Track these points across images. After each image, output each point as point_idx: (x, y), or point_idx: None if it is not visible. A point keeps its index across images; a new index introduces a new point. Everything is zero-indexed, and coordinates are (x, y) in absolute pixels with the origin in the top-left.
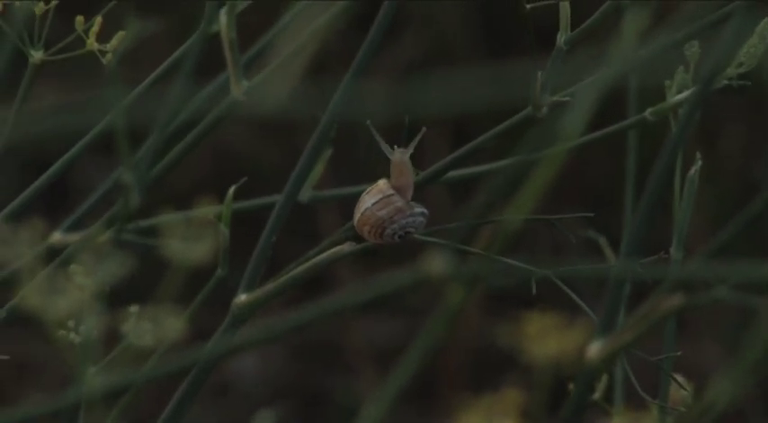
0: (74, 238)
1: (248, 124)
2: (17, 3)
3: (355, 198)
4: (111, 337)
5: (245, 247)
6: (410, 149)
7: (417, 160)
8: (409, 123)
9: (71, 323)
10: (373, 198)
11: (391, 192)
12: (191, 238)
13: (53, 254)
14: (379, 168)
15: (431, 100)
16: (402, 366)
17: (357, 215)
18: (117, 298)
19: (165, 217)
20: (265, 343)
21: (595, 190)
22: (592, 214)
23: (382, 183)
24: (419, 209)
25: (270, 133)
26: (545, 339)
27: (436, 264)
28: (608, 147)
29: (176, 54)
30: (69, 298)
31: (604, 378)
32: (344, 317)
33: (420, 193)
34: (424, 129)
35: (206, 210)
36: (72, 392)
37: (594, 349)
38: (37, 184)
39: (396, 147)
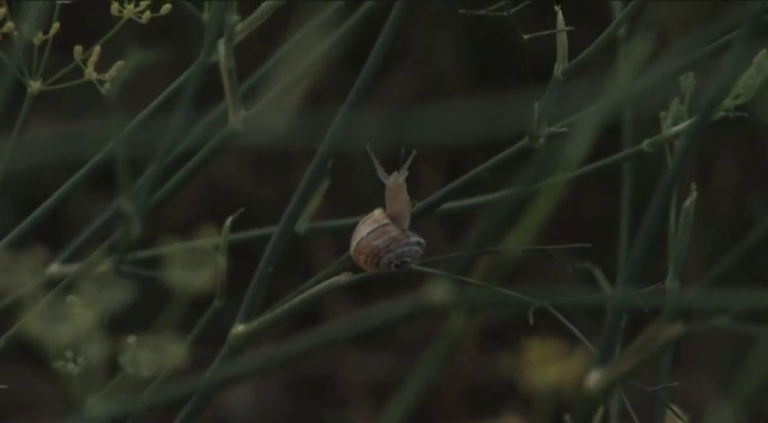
0: (71, 269)
1: (242, 160)
2: (15, 32)
3: (351, 229)
4: (111, 367)
5: (241, 280)
6: (404, 174)
7: (411, 193)
8: (405, 153)
9: (70, 354)
10: (369, 227)
11: (386, 221)
12: (190, 267)
13: (51, 285)
14: (374, 200)
15: (425, 130)
16: (400, 397)
17: (353, 245)
18: (116, 327)
19: (163, 247)
20: (263, 372)
21: (588, 225)
22: (588, 245)
23: (378, 212)
24: (415, 238)
25: (263, 170)
26: (545, 367)
27: (437, 292)
28: (600, 182)
29: (175, 84)
30: (70, 326)
31: (600, 410)
32: (338, 351)
33: (413, 225)
34: (414, 152)
35: (203, 241)
36: (73, 421)
37: (594, 379)
38: (35, 214)
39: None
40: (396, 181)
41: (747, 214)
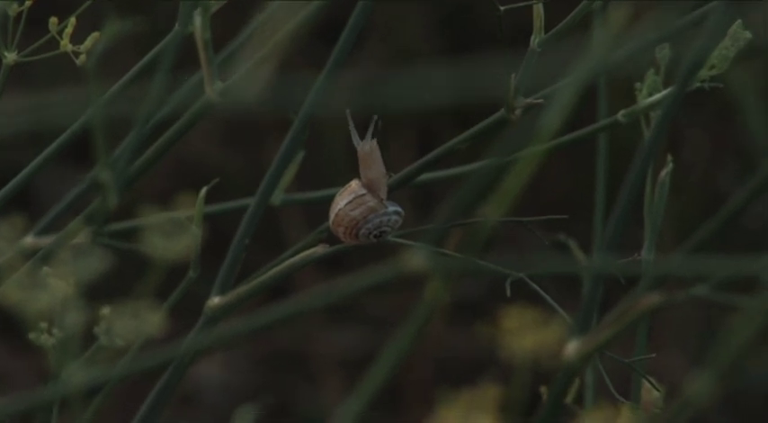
0: (46, 241)
1: (209, 132)
2: None
3: (326, 201)
4: (86, 337)
5: (215, 253)
6: (373, 140)
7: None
8: (377, 121)
9: (45, 325)
10: (345, 199)
11: (363, 191)
12: (166, 237)
13: (26, 258)
14: (346, 175)
15: (399, 96)
16: (375, 369)
17: (331, 217)
18: (91, 297)
19: (139, 218)
20: (239, 341)
21: (555, 199)
22: (564, 217)
23: (354, 183)
24: (393, 208)
25: (231, 142)
26: (522, 336)
27: (415, 260)
28: (565, 156)
29: (150, 55)
30: (47, 295)
31: (576, 382)
32: (309, 325)
33: (388, 197)
34: (378, 119)
35: (178, 212)
36: (51, 388)
37: (572, 348)
38: (10, 185)
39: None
40: (366, 147)
41: (718, 187)
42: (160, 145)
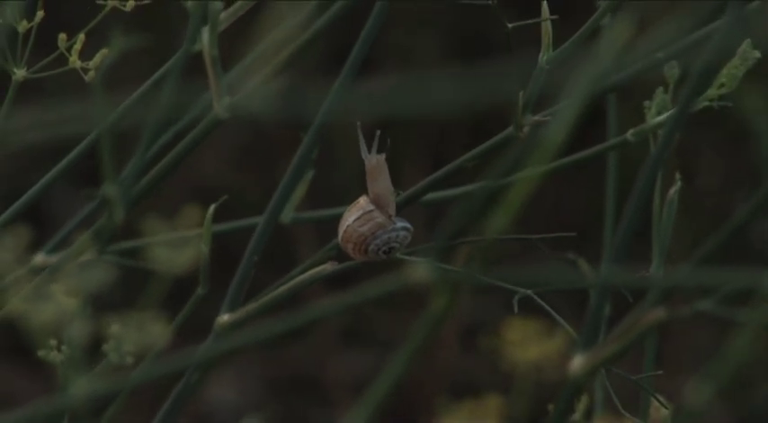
0: (56, 259)
1: (223, 153)
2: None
3: (336, 219)
4: (93, 352)
5: (224, 272)
6: (381, 153)
7: (395, 186)
8: (383, 134)
9: (54, 342)
10: (354, 215)
11: (371, 207)
12: (175, 253)
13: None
14: (357, 193)
15: (412, 105)
16: (379, 381)
17: (340, 233)
18: (99, 314)
19: (147, 236)
20: (249, 350)
21: (567, 218)
22: (573, 234)
23: (363, 199)
24: (401, 223)
25: (246, 162)
26: (527, 348)
27: (420, 272)
28: (577, 176)
29: (159, 73)
30: (54, 310)
31: (584, 399)
32: (322, 349)
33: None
34: (378, 132)
35: (188, 230)
36: (59, 400)
37: (577, 362)
38: (19, 202)
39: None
40: (373, 160)
41: (732, 211)
42: (168, 161)
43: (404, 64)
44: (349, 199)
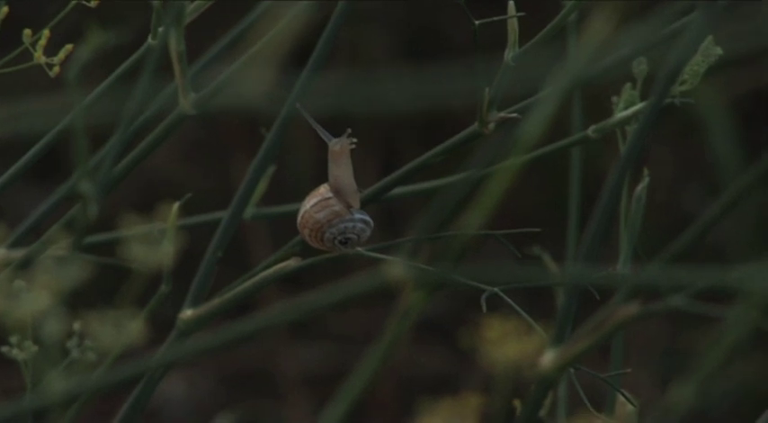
0: (19, 254)
1: (173, 151)
2: None
3: (293, 216)
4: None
5: (187, 268)
6: (348, 140)
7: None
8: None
9: (17, 339)
10: (312, 201)
11: (330, 195)
12: (144, 246)
13: None
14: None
15: (367, 100)
16: (351, 382)
17: (298, 218)
18: (69, 308)
19: (114, 231)
20: (209, 354)
21: (524, 215)
22: (537, 230)
23: (323, 187)
24: (359, 215)
25: (196, 159)
26: (500, 346)
27: (395, 270)
28: (537, 175)
29: (123, 67)
30: (24, 306)
31: (548, 394)
32: (273, 342)
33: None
34: (349, 130)
35: (150, 226)
36: (32, 397)
37: (548, 358)
38: None
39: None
40: (338, 145)
41: (681, 206)
42: (135, 156)
43: (352, 61)
44: (304, 195)
